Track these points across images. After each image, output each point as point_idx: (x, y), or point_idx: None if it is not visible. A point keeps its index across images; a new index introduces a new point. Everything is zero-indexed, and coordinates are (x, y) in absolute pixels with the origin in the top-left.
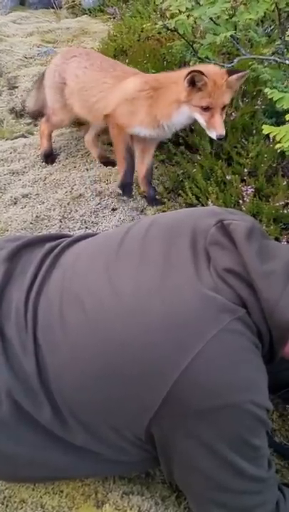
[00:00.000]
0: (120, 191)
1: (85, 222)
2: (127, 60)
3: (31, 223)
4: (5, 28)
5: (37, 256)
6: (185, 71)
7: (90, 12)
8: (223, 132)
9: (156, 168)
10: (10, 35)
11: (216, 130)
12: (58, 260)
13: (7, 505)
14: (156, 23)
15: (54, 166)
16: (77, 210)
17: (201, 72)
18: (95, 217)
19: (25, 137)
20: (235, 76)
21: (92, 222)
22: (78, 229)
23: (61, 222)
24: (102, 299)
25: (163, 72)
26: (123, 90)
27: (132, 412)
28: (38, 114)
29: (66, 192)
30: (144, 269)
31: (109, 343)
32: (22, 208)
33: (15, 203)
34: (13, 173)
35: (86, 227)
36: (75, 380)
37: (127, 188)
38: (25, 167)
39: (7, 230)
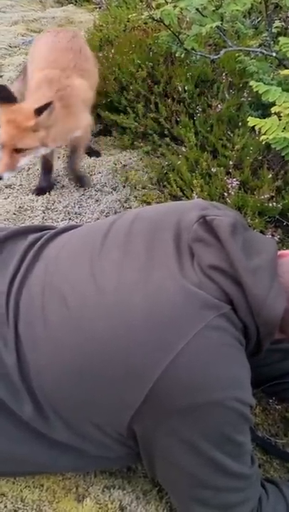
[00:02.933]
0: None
1: (68, 213)
2: (112, 51)
3: (14, 214)
4: None
5: (20, 248)
6: None
7: (76, 1)
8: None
9: (140, 159)
10: None
11: None
12: (41, 253)
13: None
14: (142, 14)
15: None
16: (60, 201)
17: None
18: (79, 208)
19: None
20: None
21: (75, 213)
22: (62, 220)
23: (44, 213)
24: (85, 295)
25: None
26: None
27: (114, 410)
28: None
29: None
30: (127, 264)
31: (92, 342)
32: (5, 198)
33: None
34: None
35: (70, 219)
36: (56, 377)
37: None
38: None
39: None
